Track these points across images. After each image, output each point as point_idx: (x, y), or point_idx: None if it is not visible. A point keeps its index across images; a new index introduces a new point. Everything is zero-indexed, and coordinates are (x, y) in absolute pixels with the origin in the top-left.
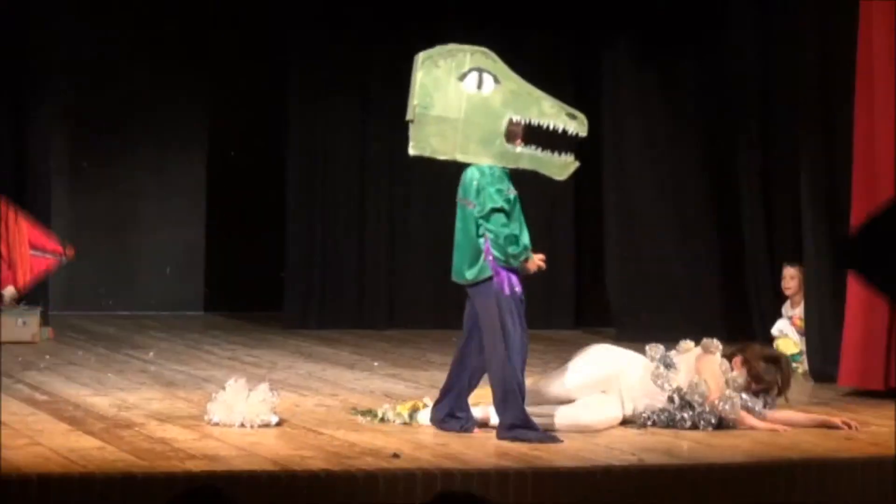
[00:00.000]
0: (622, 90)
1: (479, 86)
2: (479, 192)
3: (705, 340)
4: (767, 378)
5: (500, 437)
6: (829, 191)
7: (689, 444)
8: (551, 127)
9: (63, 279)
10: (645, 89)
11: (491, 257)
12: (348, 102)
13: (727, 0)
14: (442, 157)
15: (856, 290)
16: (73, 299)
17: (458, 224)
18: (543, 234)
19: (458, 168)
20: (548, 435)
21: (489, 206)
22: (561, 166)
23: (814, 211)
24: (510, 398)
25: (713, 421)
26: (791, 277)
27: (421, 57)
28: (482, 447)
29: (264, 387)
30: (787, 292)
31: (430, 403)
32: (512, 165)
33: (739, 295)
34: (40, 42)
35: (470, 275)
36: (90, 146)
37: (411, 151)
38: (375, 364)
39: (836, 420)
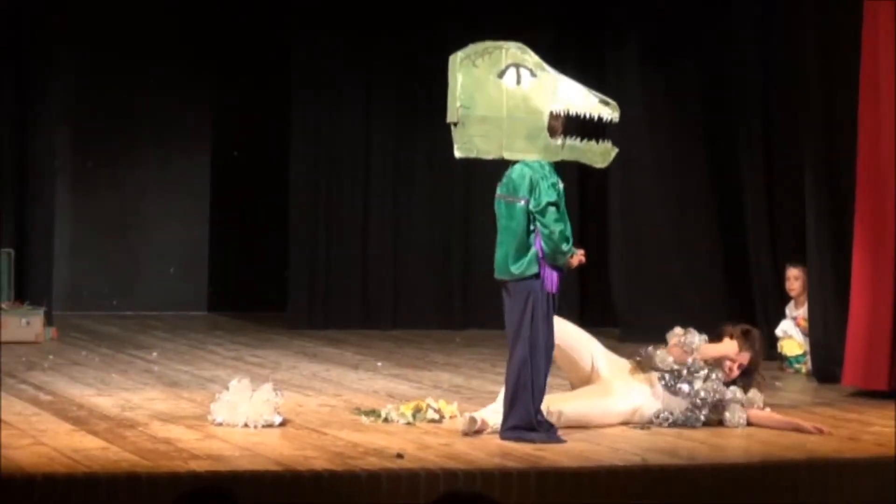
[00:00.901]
0: (625, 90)
1: (518, 81)
2: (532, 187)
3: (668, 333)
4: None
5: (503, 437)
6: (833, 191)
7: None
8: (588, 116)
9: (67, 279)
10: (648, 89)
11: (540, 254)
12: (351, 102)
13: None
14: (487, 157)
15: (860, 291)
16: (76, 299)
17: (503, 221)
18: None
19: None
20: (551, 436)
21: (545, 200)
22: (602, 154)
23: (817, 211)
24: (519, 398)
25: (701, 372)
26: (795, 278)
27: (459, 57)
28: (485, 447)
29: (268, 387)
30: (791, 293)
31: (434, 403)
32: (556, 158)
33: (743, 296)
34: (42, 41)
35: (516, 269)
36: (93, 146)
37: (457, 154)
38: (379, 364)
39: (808, 425)
